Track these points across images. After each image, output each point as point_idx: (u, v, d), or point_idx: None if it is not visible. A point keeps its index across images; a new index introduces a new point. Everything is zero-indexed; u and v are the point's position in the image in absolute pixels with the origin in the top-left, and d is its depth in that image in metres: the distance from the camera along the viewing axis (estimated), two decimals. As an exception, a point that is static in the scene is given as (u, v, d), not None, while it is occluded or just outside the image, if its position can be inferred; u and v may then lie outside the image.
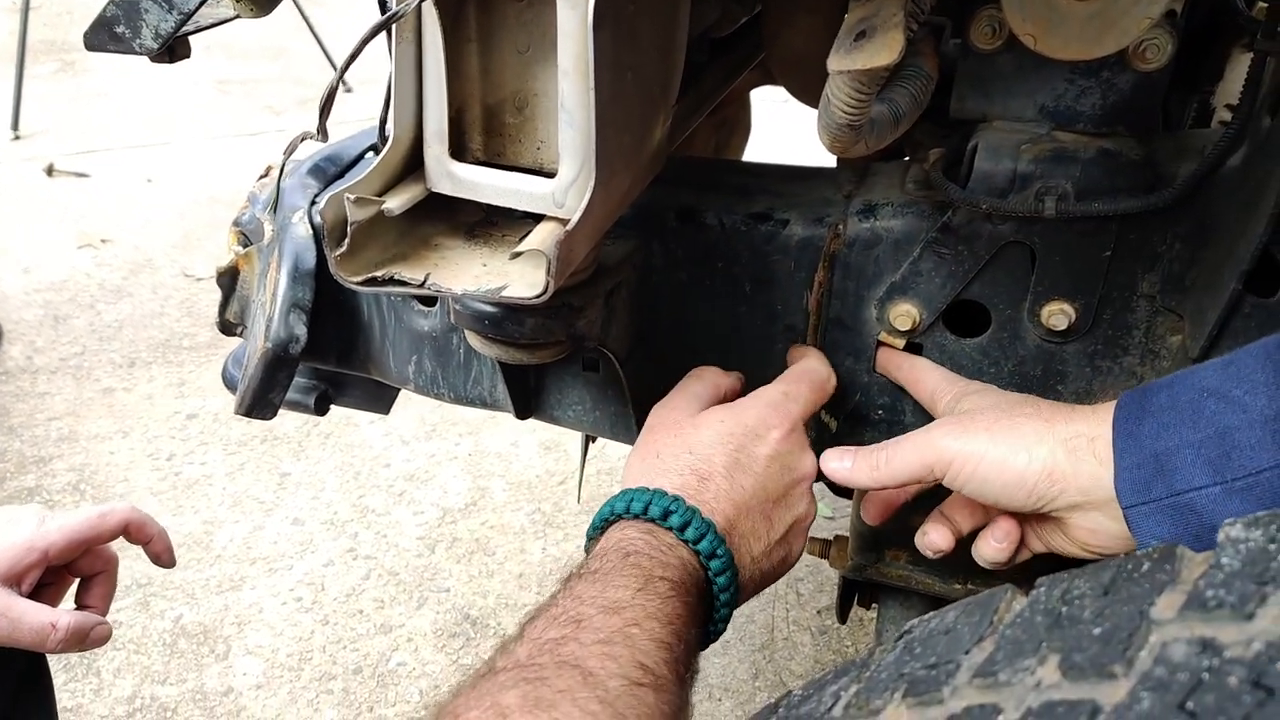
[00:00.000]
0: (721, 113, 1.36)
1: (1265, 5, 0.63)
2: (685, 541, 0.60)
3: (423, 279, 0.62)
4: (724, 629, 0.63)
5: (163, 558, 0.92)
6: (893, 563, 0.94)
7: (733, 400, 0.73)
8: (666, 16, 0.64)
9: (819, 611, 1.76)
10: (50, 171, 3.39)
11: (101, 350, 2.45)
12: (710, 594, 0.60)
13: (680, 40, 0.68)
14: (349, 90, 4.31)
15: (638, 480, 0.65)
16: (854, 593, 1.05)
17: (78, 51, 4.72)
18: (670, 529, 0.60)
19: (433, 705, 0.46)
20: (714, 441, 0.66)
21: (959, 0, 0.70)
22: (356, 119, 4.10)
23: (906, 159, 0.94)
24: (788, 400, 0.70)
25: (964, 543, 0.74)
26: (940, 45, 0.73)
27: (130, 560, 1.79)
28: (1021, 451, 0.59)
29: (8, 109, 3.69)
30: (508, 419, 2.20)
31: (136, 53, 0.61)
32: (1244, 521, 0.36)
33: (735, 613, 0.64)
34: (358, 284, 0.62)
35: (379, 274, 0.62)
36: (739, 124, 1.49)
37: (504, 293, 0.61)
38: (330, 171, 1.04)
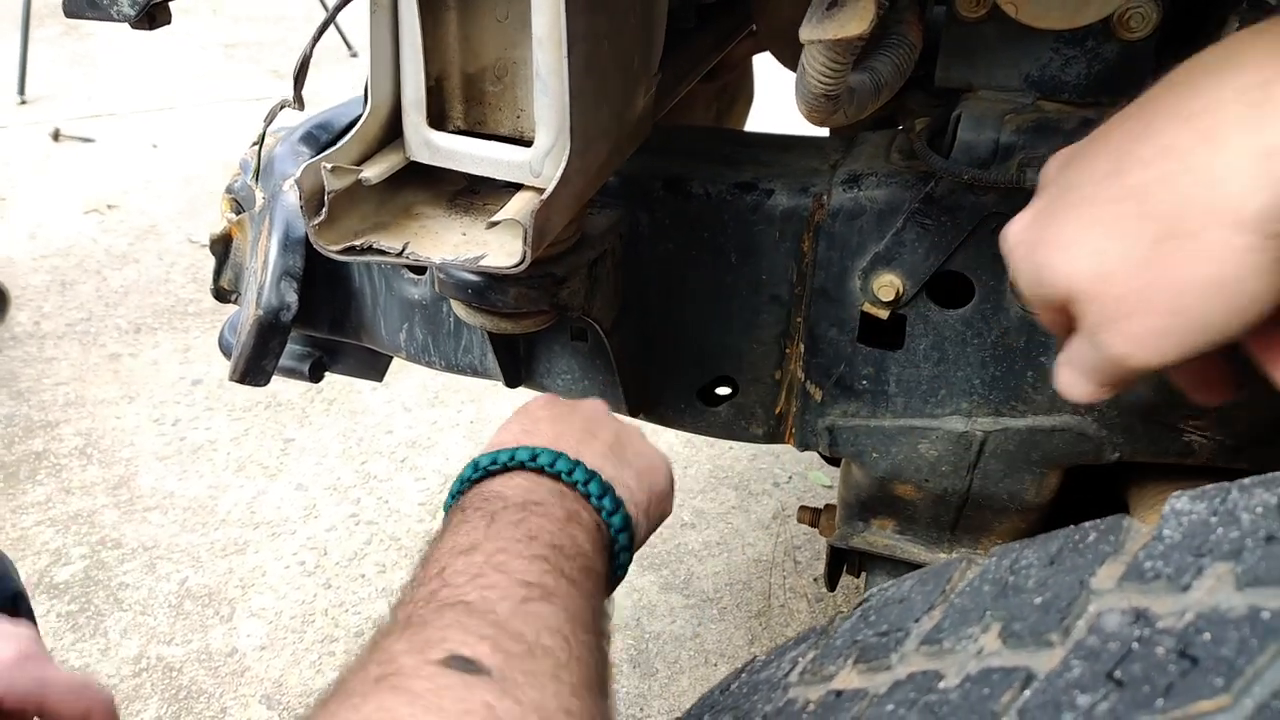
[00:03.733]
0: (721, 78, 1.35)
1: (1252, -27, 0.62)
2: (541, 470, 0.58)
3: (401, 248, 0.63)
4: (618, 524, 0.59)
5: None
6: (879, 531, 0.95)
7: None
8: (645, -16, 0.64)
9: (815, 579, 1.77)
10: (56, 136, 3.40)
11: (108, 316, 2.46)
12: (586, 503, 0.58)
13: (660, 8, 0.67)
14: (354, 55, 4.29)
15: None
16: (842, 561, 1.06)
17: (84, 15, 4.70)
18: (541, 467, 0.59)
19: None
20: (541, 416, 0.68)
21: (945, -32, 0.69)
22: (362, 82, 4.09)
23: (896, 128, 0.94)
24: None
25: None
26: (925, 13, 0.73)
27: (136, 524, 1.82)
28: None
29: (13, 73, 3.69)
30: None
31: (114, 19, 0.61)
32: (1190, 494, 0.36)
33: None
34: (336, 252, 0.62)
35: (357, 243, 0.62)
36: (741, 91, 1.48)
37: (482, 262, 0.62)
38: (322, 139, 1.04)
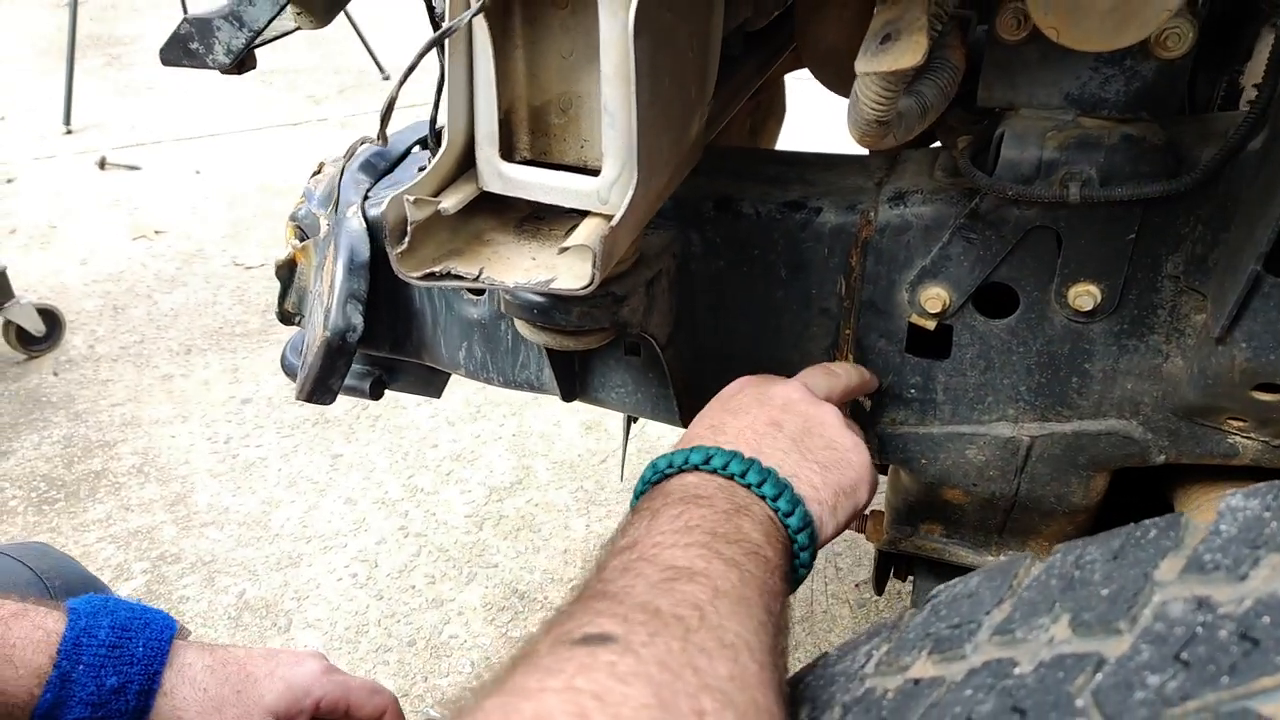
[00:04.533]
0: (756, 97, 1.39)
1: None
2: (714, 472, 0.60)
3: (477, 273, 0.66)
4: (796, 524, 0.59)
5: None
6: (927, 535, 0.97)
7: None
8: (701, 21, 0.68)
9: (857, 585, 1.79)
10: (103, 165, 3.50)
11: (159, 338, 2.54)
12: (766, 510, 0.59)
13: (715, 41, 0.71)
14: (386, 78, 4.37)
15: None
16: (890, 565, 1.08)
17: (123, 45, 4.83)
18: (714, 469, 0.61)
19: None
20: (715, 406, 0.73)
21: (986, -8, 0.72)
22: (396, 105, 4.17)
23: (937, 145, 0.97)
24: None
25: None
26: (967, 36, 0.76)
27: (194, 539, 1.88)
28: None
29: (59, 104, 3.80)
30: (549, 400, 2.25)
31: (209, 67, 0.65)
32: (1244, 492, 0.39)
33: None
34: (417, 279, 0.66)
35: (437, 269, 0.66)
36: (774, 107, 1.51)
37: (553, 285, 0.65)
38: (380, 166, 1.08)
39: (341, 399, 2.29)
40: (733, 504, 0.56)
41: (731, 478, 0.59)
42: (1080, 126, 0.71)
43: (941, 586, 0.48)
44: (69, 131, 3.80)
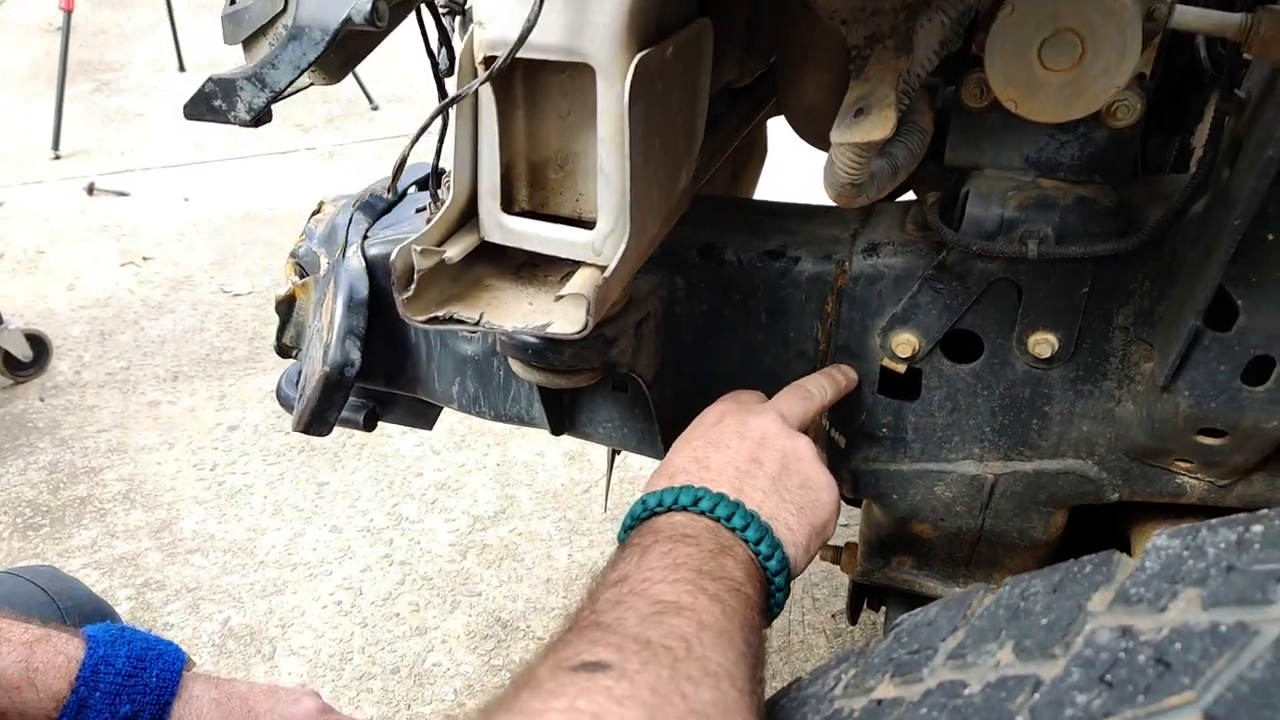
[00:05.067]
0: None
1: (1220, 75, 0.70)
2: (717, 518, 0.64)
3: (478, 317, 0.71)
4: (774, 567, 0.63)
5: None
6: (898, 567, 1.02)
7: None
8: (690, 86, 0.73)
9: (833, 615, 1.83)
10: (91, 190, 3.52)
11: (146, 364, 2.56)
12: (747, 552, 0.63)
13: (702, 103, 0.76)
14: (375, 108, 4.43)
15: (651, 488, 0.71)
16: (864, 596, 1.13)
17: (112, 71, 4.87)
18: (701, 511, 0.64)
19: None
20: (686, 438, 0.77)
21: (953, 62, 0.78)
22: (383, 135, 4.23)
23: (908, 198, 1.02)
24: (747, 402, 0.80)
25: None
26: (935, 101, 0.82)
27: (179, 566, 1.90)
28: None
29: (48, 129, 3.83)
30: (533, 430, 2.29)
31: (230, 123, 0.70)
32: (1169, 533, 0.44)
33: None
34: (422, 322, 0.70)
35: (440, 313, 0.71)
36: (755, 150, 1.57)
37: (549, 329, 0.70)
38: (379, 207, 1.13)
39: (329, 428, 2.29)
40: (718, 544, 0.61)
41: (718, 520, 0.63)
42: (1039, 187, 0.77)
43: (904, 616, 0.53)
44: (57, 157, 3.83)
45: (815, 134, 0.97)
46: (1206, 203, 0.72)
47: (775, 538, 0.64)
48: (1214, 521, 0.42)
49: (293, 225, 3.31)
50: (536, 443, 2.27)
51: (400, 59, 5.02)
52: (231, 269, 3.05)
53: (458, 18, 0.98)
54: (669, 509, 0.65)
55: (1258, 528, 0.40)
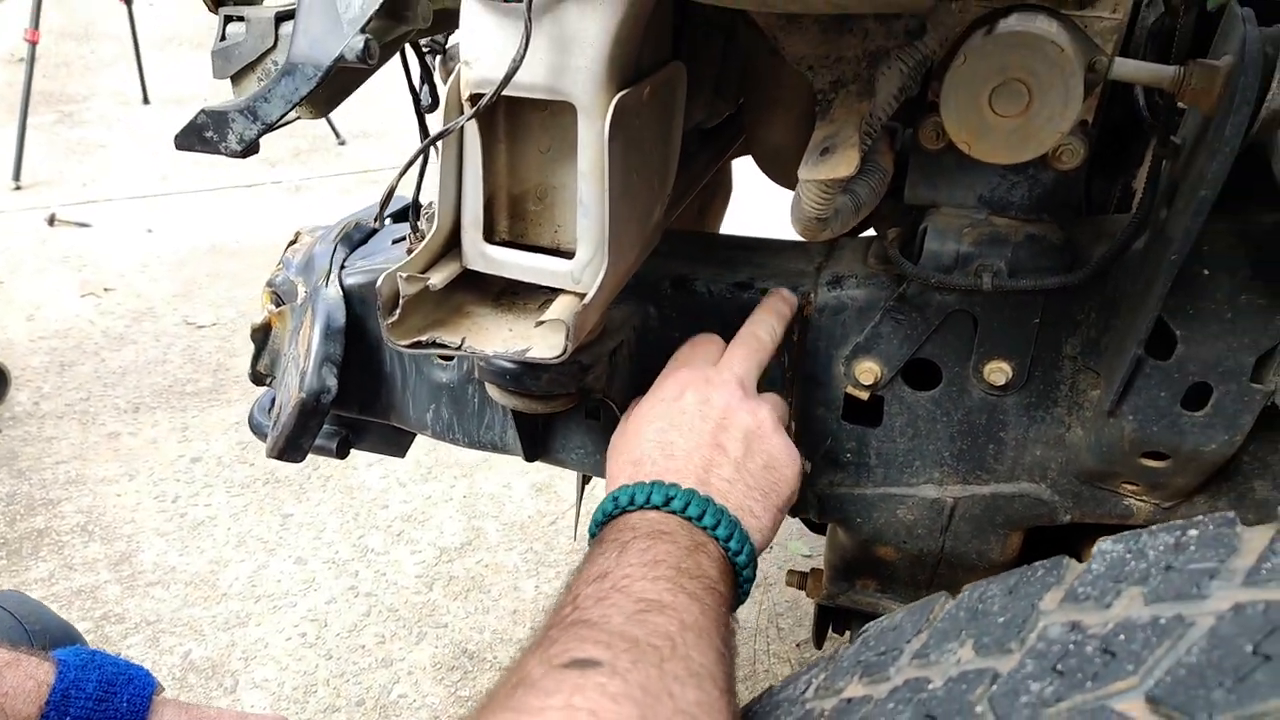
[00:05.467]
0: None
1: (1157, 123, 0.76)
2: (687, 518, 0.66)
3: (460, 342, 0.74)
4: (743, 561, 0.66)
5: None
6: (863, 590, 1.05)
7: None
8: (665, 125, 0.77)
9: (798, 645, 1.85)
10: (52, 221, 3.49)
11: (106, 396, 2.53)
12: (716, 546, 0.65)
13: (676, 141, 0.80)
14: (342, 143, 4.45)
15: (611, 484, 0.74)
16: (829, 620, 1.16)
17: (75, 103, 4.84)
18: (672, 511, 0.66)
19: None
20: (643, 415, 0.77)
21: (911, 107, 0.83)
22: (349, 170, 4.25)
23: (870, 234, 1.07)
24: (700, 363, 0.80)
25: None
26: (895, 143, 0.86)
27: (139, 599, 1.87)
28: None
29: (9, 159, 3.79)
30: (500, 462, 2.31)
31: (220, 153, 0.72)
32: (1113, 538, 0.47)
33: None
34: (405, 346, 0.73)
35: (423, 338, 0.73)
36: (720, 188, 1.62)
37: (529, 354, 0.73)
38: (356, 238, 1.15)
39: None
40: (692, 541, 0.63)
41: (689, 520, 0.66)
42: (991, 224, 0.81)
43: (870, 624, 0.56)
44: (18, 187, 3.79)
45: (781, 172, 1.02)
46: (1146, 240, 0.77)
47: (743, 531, 0.67)
48: (1154, 527, 0.46)
49: (259, 258, 3.31)
50: (503, 474, 2.28)
51: (368, 97, 5.04)
52: (195, 301, 3.04)
53: (438, 56, 1.02)
54: (640, 507, 0.67)
55: (1193, 532, 0.44)
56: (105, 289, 3.08)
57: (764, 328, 0.83)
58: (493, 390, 0.89)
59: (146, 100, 4.73)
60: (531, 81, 0.66)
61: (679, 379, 0.79)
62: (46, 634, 0.91)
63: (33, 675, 0.76)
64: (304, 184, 4.06)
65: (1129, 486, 0.84)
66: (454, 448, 1.13)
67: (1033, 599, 0.46)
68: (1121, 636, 0.40)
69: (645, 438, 0.75)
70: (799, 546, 2.10)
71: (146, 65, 4.70)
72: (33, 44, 3.74)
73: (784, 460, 0.75)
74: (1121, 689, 0.38)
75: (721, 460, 0.72)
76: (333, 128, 4.42)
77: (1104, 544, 0.47)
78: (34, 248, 3.34)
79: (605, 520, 0.69)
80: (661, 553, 0.60)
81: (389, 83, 0.95)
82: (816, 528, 1.30)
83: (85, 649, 0.83)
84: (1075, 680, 0.39)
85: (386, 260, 1.07)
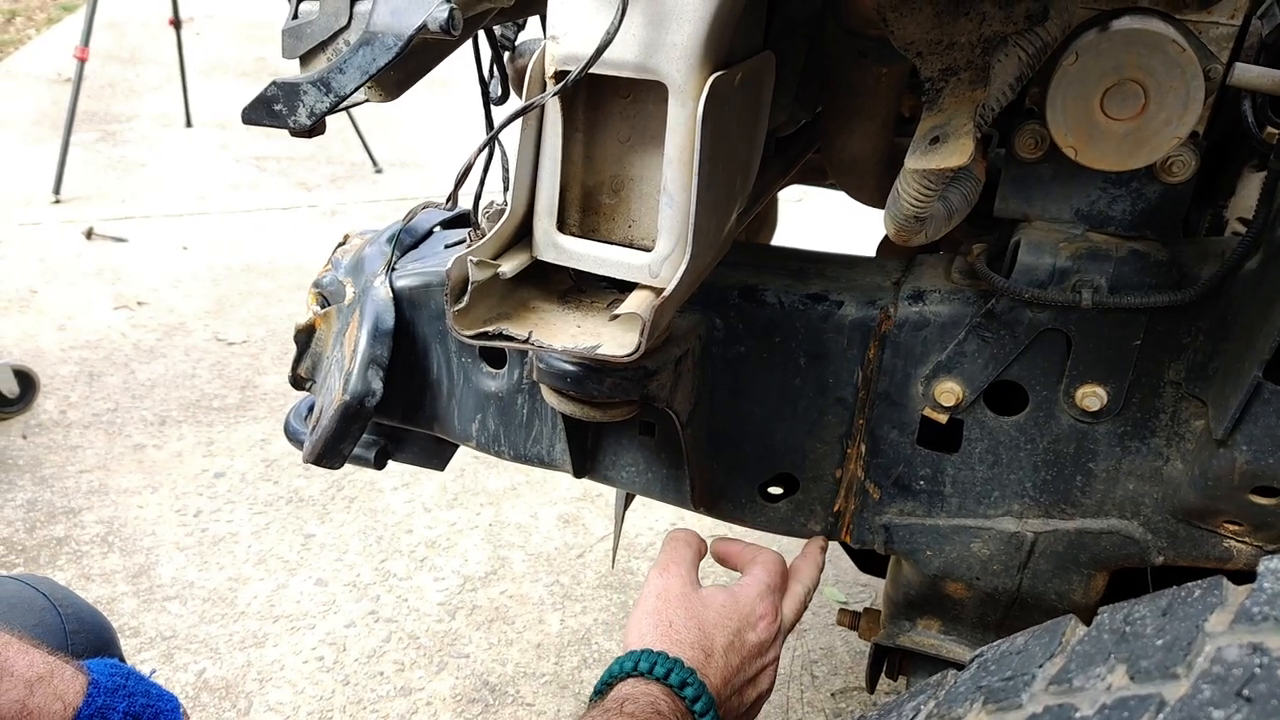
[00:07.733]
0: (755, 210, 1.46)
1: (1276, 131, 0.71)
2: (694, 713, 0.72)
3: (527, 335, 0.69)
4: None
5: None
6: (925, 630, 0.98)
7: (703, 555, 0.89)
8: (752, 117, 0.73)
9: (833, 694, 1.77)
10: (89, 235, 3.51)
11: (134, 408, 2.51)
12: None
13: (760, 137, 0.77)
14: (379, 171, 4.48)
15: (651, 642, 0.76)
16: (883, 661, 1.09)
17: (118, 123, 4.91)
18: (684, 698, 0.72)
19: None
20: (718, 622, 0.79)
21: (1005, 114, 0.79)
22: (385, 197, 4.26)
23: (942, 253, 1.03)
24: (773, 593, 0.84)
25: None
26: (988, 152, 0.82)
27: (155, 613, 1.82)
28: None
29: (50, 173, 3.83)
30: (528, 491, 2.25)
31: (289, 127, 0.69)
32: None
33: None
34: (470, 337, 0.69)
35: (489, 329, 0.69)
36: (767, 219, 1.59)
37: (599, 351, 0.68)
38: (407, 242, 1.12)
39: (317, 479, 2.26)
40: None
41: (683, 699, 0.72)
42: (1090, 240, 0.77)
43: (985, 647, 0.50)
44: (58, 201, 3.82)
45: (855, 183, 0.98)
46: (1261, 258, 0.72)
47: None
48: (1331, 546, 0.41)
49: (291, 279, 3.30)
50: (531, 504, 2.23)
51: (404, 125, 5.11)
52: (227, 318, 3.03)
53: (506, 52, 0.99)
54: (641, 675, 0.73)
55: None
56: (138, 302, 3.07)
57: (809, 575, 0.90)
58: (549, 395, 0.84)
59: (189, 123, 4.78)
60: (621, 58, 0.63)
61: (763, 600, 0.83)
62: (78, 618, 0.88)
63: (60, 696, 0.72)
64: (339, 208, 4.07)
65: (1231, 526, 0.78)
66: (480, 475, 1.09)
67: (1195, 620, 0.40)
68: (1318, 662, 0.35)
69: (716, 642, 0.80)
70: (834, 593, 2.02)
71: (191, 90, 4.76)
72: (81, 61, 3.79)
73: (768, 656, 0.82)
74: (1329, 720, 0.32)
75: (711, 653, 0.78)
76: (370, 155, 4.45)
77: (1272, 562, 0.41)
78: (70, 260, 3.35)
79: (609, 683, 0.75)
80: None
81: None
82: (871, 565, 1.24)
83: (120, 667, 0.79)
84: (1270, 706, 0.34)
85: (438, 265, 1.04)
